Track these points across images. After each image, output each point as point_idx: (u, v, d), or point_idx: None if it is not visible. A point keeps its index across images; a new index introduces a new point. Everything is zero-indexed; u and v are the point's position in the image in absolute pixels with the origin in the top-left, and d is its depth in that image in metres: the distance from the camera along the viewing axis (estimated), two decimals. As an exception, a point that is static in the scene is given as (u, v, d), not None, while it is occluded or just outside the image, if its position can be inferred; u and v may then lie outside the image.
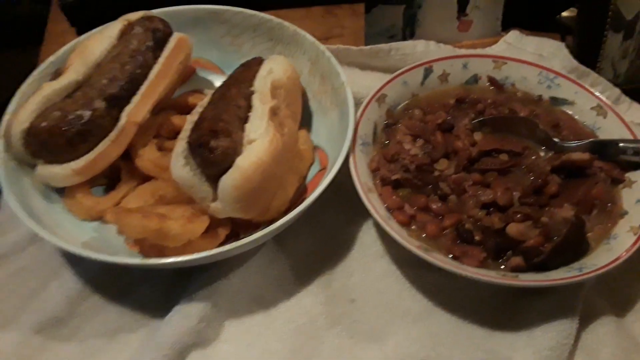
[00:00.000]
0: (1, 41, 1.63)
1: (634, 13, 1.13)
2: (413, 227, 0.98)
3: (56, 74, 1.08)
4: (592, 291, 0.96)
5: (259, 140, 0.93)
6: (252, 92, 1.01)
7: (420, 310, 0.97)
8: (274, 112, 0.99)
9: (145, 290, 1.00)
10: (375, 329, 0.96)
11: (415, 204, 0.99)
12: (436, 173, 1.02)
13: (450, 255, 0.94)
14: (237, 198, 0.91)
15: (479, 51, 1.27)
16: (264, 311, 0.97)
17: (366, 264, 1.03)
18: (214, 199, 0.93)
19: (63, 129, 0.96)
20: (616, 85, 1.21)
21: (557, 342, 0.89)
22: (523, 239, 0.91)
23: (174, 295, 0.97)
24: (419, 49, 1.28)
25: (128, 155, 1.05)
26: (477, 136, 1.06)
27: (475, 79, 1.17)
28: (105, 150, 1.00)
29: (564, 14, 1.38)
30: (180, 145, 0.95)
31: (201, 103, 1.04)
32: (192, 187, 0.93)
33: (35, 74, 1.09)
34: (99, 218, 1.02)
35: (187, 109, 1.13)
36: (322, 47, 1.15)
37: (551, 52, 1.27)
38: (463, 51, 1.27)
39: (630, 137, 1.03)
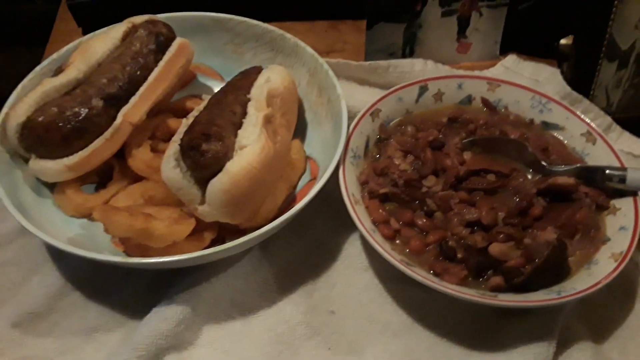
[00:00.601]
0: (9, 37, 1.66)
1: (629, 43, 1.14)
2: (397, 241, 0.99)
3: (58, 71, 1.10)
4: (571, 316, 0.96)
5: (250, 146, 0.94)
6: (248, 100, 1.03)
7: (400, 325, 0.98)
8: (268, 120, 1.00)
9: (126, 290, 1.00)
10: (354, 341, 0.96)
11: (401, 219, 1.00)
12: (424, 189, 1.02)
13: (432, 272, 0.94)
14: (225, 202, 0.92)
15: (474, 73, 1.29)
16: (243, 318, 0.98)
17: (349, 276, 1.03)
18: (202, 202, 0.94)
19: (59, 124, 0.98)
20: (609, 113, 1.22)
21: (534, 365, 0.88)
22: (504, 259, 0.91)
23: (155, 296, 0.97)
24: (416, 68, 1.30)
25: (122, 155, 1.07)
26: (467, 155, 1.07)
27: (469, 99, 1.19)
28: (100, 148, 1.01)
29: (562, 41, 1.39)
30: (173, 147, 0.97)
31: (197, 108, 1.05)
32: (181, 189, 0.94)
33: (38, 69, 1.12)
34: (88, 215, 1.03)
35: (184, 113, 1.15)
36: (321, 60, 1.17)
37: (546, 77, 1.29)
38: (460, 72, 1.28)
39: (618, 164, 1.04)
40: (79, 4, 1.39)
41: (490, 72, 1.35)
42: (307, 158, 1.15)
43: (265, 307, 0.99)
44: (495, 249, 0.91)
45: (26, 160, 1.02)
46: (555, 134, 1.13)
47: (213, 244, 1.00)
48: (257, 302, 1.00)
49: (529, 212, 0.97)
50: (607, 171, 1.00)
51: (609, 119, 1.20)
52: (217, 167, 0.92)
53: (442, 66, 1.32)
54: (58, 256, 1.02)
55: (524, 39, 1.41)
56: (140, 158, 1.05)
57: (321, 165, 1.11)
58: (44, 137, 0.98)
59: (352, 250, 1.06)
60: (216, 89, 1.25)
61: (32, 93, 1.02)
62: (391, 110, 1.15)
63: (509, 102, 1.17)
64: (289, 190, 1.09)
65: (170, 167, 0.94)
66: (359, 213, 0.97)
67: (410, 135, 1.12)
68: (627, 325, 0.98)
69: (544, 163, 1.05)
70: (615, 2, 1.12)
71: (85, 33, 1.43)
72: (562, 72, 1.29)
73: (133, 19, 1.16)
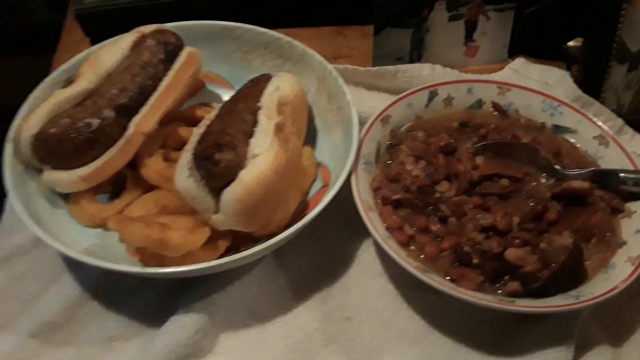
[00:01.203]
0: (16, 47, 1.66)
1: (639, 46, 1.14)
2: (412, 247, 0.98)
3: (68, 82, 1.11)
4: (588, 320, 0.96)
5: (263, 155, 0.94)
6: (259, 108, 1.03)
7: (416, 332, 0.97)
8: (279, 128, 1.00)
9: (143, 299, 1.00)
10: (371, 348, 0.96)
11: (415, 225, 1.00)
12: (437, 195, 1.02)
13: (448, 278, 0.94)
14: (239, 211, 0.92)
15: (484, 76, 1.29)
16: (259, 325, 0.98)
17: (364, 283, 1.03)
18: (216, 211, 0.94)
19: (71, 136, 0.98)
20: (620, 116, 1.22)
21: (552, 370, 0.88)
22: (521, 264, 0.91)
23: (172, 305, 0.97)
24: (425, 72, 1.30)
25: (134, 164, 1.07)
26: (479, 160, 1.07)
27: (479, 103, 1.19)
28: (112, 159, 1.01)
29: (570, 43, 1.40)
30: (186, 157, 0.97)
31: (208, 116, 1.06)
32: (195, 198, 0.94)
33: (48, 80, 1.11)
34: (102, 225, 1.03)
35: (194, 122, 1.15)
36: (330, 66, 1.17)
37: (556, 80, 1.29)
38: (469, 76, 1.28)
39: (632, 167, 1.04)
40: (86, 14, 1.40)
41: (499, 76, 1.35)
42: (318, 165, 1.15)
43: (280, 314, 0.99)
44: (511, 254, 0.91)
45: (40, 172, 1.02)
46: (567, 137, 1.13)
47: (227, 252, 1.00)
48: (272, 309, 1.00)
49: (543, 217, 0.97)
50: (622, 174, 1.00)
51: (620, 121, 1.20)
52: (230, 176, 0.92)
53: (451, 70, 1.32)
54: (74, 266, 1.02)
55: (531, 42, 1.42)
56: (152, 167, 1.05)
57: (332, 172, 1.11)
58: (56, 148, 0.98)
59: (365, 256, 1.06)
60: (225, 97, 1.26)
61: (43, 104, 1.02)
62: (401, 116, 1.15)
63: (520, 106, 1.17)
64: (301, 197, 1.09)
65: (184, 176, 0.94)
66: (372, 220, 0.97)
67: (422, 140, 1.12)
68: (645, 328, 0.97)
69: (557, 167, 1.05)
70: (624, 4, 1.12)
71: (93, 43, 1.44)
72: (572, 75, 1.29)
73: (141, 28, 1.16)
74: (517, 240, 0.93)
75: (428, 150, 1.08)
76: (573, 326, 0.92)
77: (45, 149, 0.99)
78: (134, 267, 0.91)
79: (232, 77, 1.28)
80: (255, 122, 1.01)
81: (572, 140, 1.13)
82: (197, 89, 1.25)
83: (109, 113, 1.01)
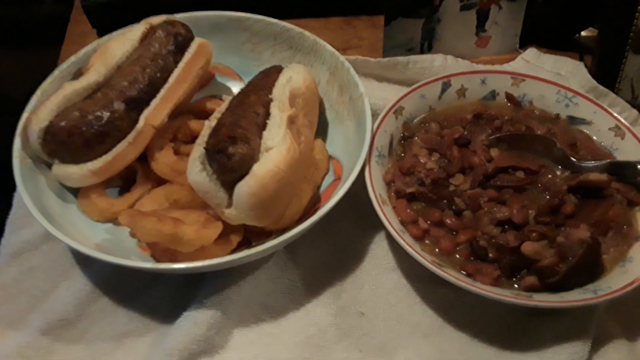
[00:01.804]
0: (22, 40, 1.65)
1: (655, 35, 1.12)
2: (427, 241, 0.97)
3: (77, 74, 1.09)
4: (604, 313, 0.95)
5: (276, 148, 0.93)
6: (271, 100, 1.01)
7: (430, 326, 0.97)
8: (291, 121, 0.99)
9: (154, 294, 1.00)
10: (385, 343, 0.95)
11: (429, 218, 0.99)
12: (451, 188, 1.01)
13: (464, 272, 0.93)
14: (253, 205, 0.91)
15: (497, 67, 1.27)
16: (273, 320, 0.97)
17: (377, 277, 1.02)
18: (229, 205, 0.93)
19: (82, 129, 0.97)
20: (634, 106, 1.20)
21: (569, 365, 0.88)
22: (538, 258, 0.90)
23: (184, 300, 0.97)
24: (436, 63, 1.28)
25: (144, 158, 1.05)
26: (494, 152, 1.05)
27: (493, 95, 1.17)
28: (123, 152, 1.00)
29: (583, 33, 1.38)
30: (197, 150, 0.96)
31: (219, 109, 1.04)
32: (208, 192, 0.93)
33: (57, 72, 1.10)
34: (113, 220, 1.02)
35: (204, 114, 1.14)
36: (342, 58, 1.15)
37: (570, 71, 1.27)
38: (481, 67, 1.27)
39: (648, 159, 1.02)
40: (93, 5, 1.38)
41: (510, 66, 1.34)
42: (330, 158, 1.14)
43: (294, 309, 0.98)
44: (528, 248, 0.90)
45: (49, 166, 1.01)
46: (582, 129, 1.12)
47: (239, 246, 0.99)
48: (285, 304, 0.99)
49: (560, 210, 0.96)
50: (639, 166, 0.99)
51: (635, 112, 1.19)
52: (243, 170, 0.91)
53: (462, 61, 1.31)
54: (84, 261, 1.02)
55: (542, 32, 1.40)
56: (163, 161, 1.04)
57: (345, 165, 1.10)
58: (66, 142, 0.97)
59: (378, 250, 1.05)
60: (235, 89, 1.25)
61: (53, 97, 1.00)
62: (414, 108, 1.14)
63: (534, 97, 1.15)
64: (314, 190, 1.08)
65: (196, 170, 0.93)
66: (386, 214, 0.96)
67: (435, 132, 1.10)
68: (662, 322, 0.97)
69: (573, 159, 1.03)
70: (641, -7, 1.10)
71: (99, 34, 1.43)
72: (586, 66, 1.27)
73: (150, 19, 1.14)
74: (534, 234, 0.92)
75: (442, 142, 1.07)
76: (589, 320, 0.92)
77: (55, 143, 0.97)
78: (147, 263, 0.90)
79: (242, 69, 1.26)
80: (267, 115, 0.99)
81: (587, 132, 1.11)
82: (207, 80, 1.24)
83: (119, 106, 1.00)
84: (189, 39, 1.13)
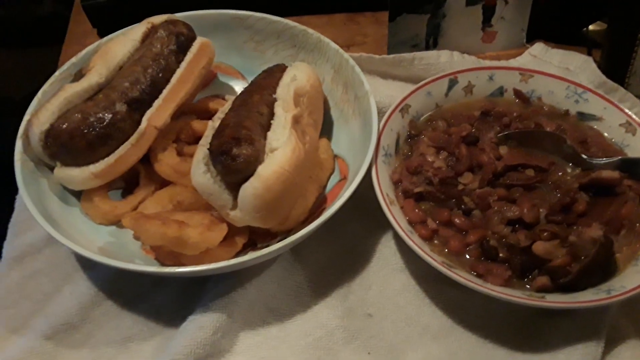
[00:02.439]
0: (22, 40, 1.64)
1: (665, 29, 1.10)
2: (435, 241, 0.96)
3: (78, 75, 1.08)
4: (616, 313, 0.93)
5: (281, 149, 0.91)
6: (275, 100, 1.00)
7: (440, 327, 0.95)
8: (296, 121, 0.97)
9: (159, 297, 0.98)
10: (394, 345, 0.94)
11: (437, 218, 0.97)
12: (460, 187, 0.99)
13: (474, 273, 0.91)
14: (258, 207, 0.89)
15: (504, 63, 1.25)
16: (279, 323, 0.96)
17: (384, 278, 1.01)
18: (234, 207, 0.91)
19: (84, 131, 0.95)
20: (644, 102, 1.18)
21: (582, 366, 0.86)
22: (550, 258, 0.88)
23: (189, 302, 0.96)
24: (442, 59, 1.26)
25: (147, 159, 1.04)
26: (503, 150, 1.03)
27: (500, 91, 1.15)
28: (125, 154, 0.99)
29: (591, 27, 1.35)
30: (201, 151, 0.94)
31: (222, 109, 1.03)
32: (212, 194, 0.91)
33: (57, 74, 1.09)
34: (116, 222, 1.01)
35: (207, 114, 1.13)
36: (346, 55, 1.13)
37: (578, 65, 1.25)
38: (488, 62, 1.25)
39: (661, 155, 1.00)
40: (93, 5, 1.36)
41: (517, 62, 1.32)
42: (335, 157, 1.12)
43: (300, 311, 0.97)
44: (539, 247, 0.88)
45: (51, 169, 1.00)
46: (592, 125, 1.10)
47: (244, 248, 0.97)
48: (292, 306, 0.97)
49: (572, 208, 0.94)
50: (652, 163, 0.97)
51: (646, 107, 1.16)
52: (248, 171, 0.89)
53: (469, 57, 1.29)
54: (88, 265, 1.01)
55: (549, 26, 1.37)
56: (166, 162, 1.02)
57: (350, 164, 1.08)
58: (68, 144, 0.96)
59: (385, 251, 1.04)
60: (237, 88, 1.24)
61: (54, 99, 0.99)
62: (420, 105, 1.12)
63: (543, 93, 1.13)
64: (319, 191, 1.06)
65: (200, 172, 0.91)
66: (394, 214, 0.94)
67: (442, 130, 1.08)
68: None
69: (584, 156, 1.01)
70: (651, -14, 1.08)
71: (100, 34, 1.41)
72: (594, 60, 1.25)
73: (152, 19, 1.12)
74: (545, 233, 0.90)
75: (449, 140, 1.05)
76: (602, 320, 0.90)
77: (56, 145, 0.96)
78: (152, 267, 0.88)
79: (244, 68, 1.24)
80: (271, 115, 0.98)
81: (597, 128, 1.09)
82: (209, 80, 1.22)
83: (121, 107, 0.99)
84: (191, 38, 1.11)
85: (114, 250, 0.96)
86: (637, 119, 1.06)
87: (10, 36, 1.63)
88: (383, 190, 0.97)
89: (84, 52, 1.12)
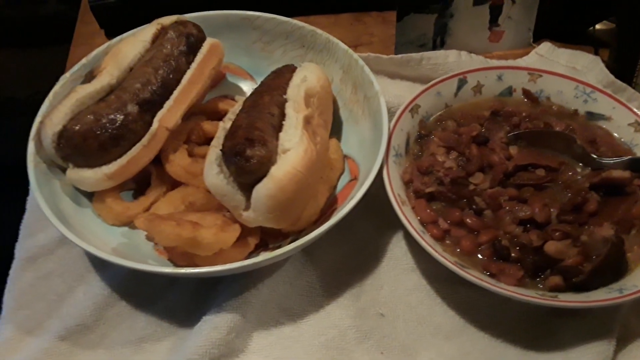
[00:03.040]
0: (28, 40, 1.64)
1: (673, 28, 1.11)
2: (447, 241, 0.96)
3: (89, 77, 1.08)
4: (627, 312, 0.94)
5: (293, 149, 0.91)
6: (285, 100, 1.00)
7: (452, 327, 0.96)
8: (307, 121, 0.98)
9: (173, 297, 0.99)
10: (407, 345, 0.94)
11: (449, 218, 0.97)
12: (471, 187, 1.00)
13: (487, 272, 0.92)
14: (271, 208, 0.90)
15: (513, 63, 1.25)
16: (292, 323, 0.96)
17: (396, 277, 1.01)
18: (247, 207, 0.92)
19: (96, 132, 0.96)
20: (652, 101, 1.18)
21: (594, 365, 0.87)
22: (562, 257, 0.89)
23: (202, 303, 0.96)
24: (450, 59, 1.26)
25: (158, 160, 1.04)
26: (513, 150, 1.04)
27: (509, 91, 1.16)
28: (137, 155, 0.99)
29: (598, 26, 1.36)
30: (213, 153, 0.94)
31: (233, 110, 1.03)
32: (225, 195, 0.92)
33: (68, 75, 1.09)
34: (128, 223, 1.01)
35: (217, 115, 1.13)
36: (355, 55, 1.14)
37: (586, 65, 1.25)
38: (497, 62, 1.25)
39: (670, 155, 1.01)
40: (101, 5, 1.36)
41: (524, 61, 1.32)
42: (345, 157, 1.12)
43: (313, 311, 0.97)
44: (551, 247, 0.89)
45: (63, 170, 1.00)
46: (601, 125, 1.10)
47: (256, 248, 0.98)
48: (304, 306, 0.98)
49: (583, 208, 0.94)
50: (661, 163, 0.97)
51: (655, 107, 1.17)
52: (261, 172, 0.89)
53: (476, 56, 1.29)
54: (101, 265, 1.01)
55: (556, 26, 1.38)
56: (178, 163, 1.02)
57: (360, 164, 1.09)
58: (81, 146, 0.96)
59: (397, 251, 1.04)
60: (246, 88, 1.24)
61: (66, 101, 0.99)
62: (430, 105, 1.12)
63: (552, 93, 1.14)
64: (330, 191, 1.06)
65: (213, 173, 0.92)
66: (406, 214, 0.95)
67: (452, 130, 1.09)
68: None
69: (593, 156, 1.02)
70: (660, -15, 1.08)
71: (107, 34, 1.41)
72: (602, 59, 1.25)
73: (161, 20, 1.13)
74: (557, 233, 0.91)
75: (459, 140, 1.05)
76: (614, 320, 0.91)
77: (69, 147, 0.96)
78: (166, 268, 0.89)
79: (253, 68, 1.25)
80: (282, 115, 0.98)
81: (607, 128, 1.10)
82: (218, 80, 1.22)
83: (133, 108, 0.99)
84: (201, 39, 1.11)
85: (127, 251, 0.97)
86: (646, 118, 1.06)
87: (15, 36, 1.63)
88: (394, 190, 0.97)
89: (94, 53, 1.12)
